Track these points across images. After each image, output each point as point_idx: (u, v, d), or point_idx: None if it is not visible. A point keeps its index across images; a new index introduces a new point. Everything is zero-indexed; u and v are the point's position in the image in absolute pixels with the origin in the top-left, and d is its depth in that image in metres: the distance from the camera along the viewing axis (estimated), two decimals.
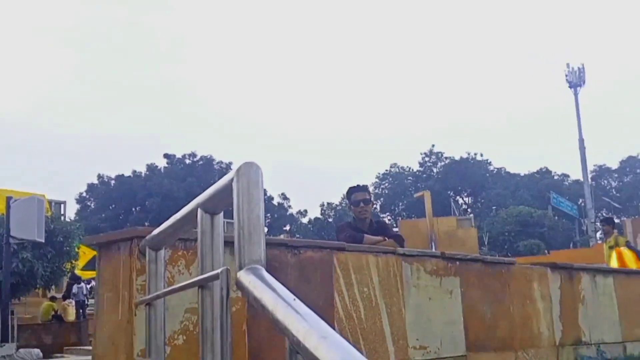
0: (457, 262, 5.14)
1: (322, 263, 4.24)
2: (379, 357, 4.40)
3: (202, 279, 2.31)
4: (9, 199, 12.69)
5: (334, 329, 3.99)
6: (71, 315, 21.47)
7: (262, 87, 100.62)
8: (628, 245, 11.06)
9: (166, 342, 3.23)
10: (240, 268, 1.98)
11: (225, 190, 2.16)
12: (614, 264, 10.30)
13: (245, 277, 1.93)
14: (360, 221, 5.59)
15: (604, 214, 66.77)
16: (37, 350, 9.14)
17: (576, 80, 56.73)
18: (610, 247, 10.89)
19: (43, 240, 12.94)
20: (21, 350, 11.45)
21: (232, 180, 2.04)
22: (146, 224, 58.13)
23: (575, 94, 56.47)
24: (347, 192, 5.79)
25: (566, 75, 56.94)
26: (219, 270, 2.06)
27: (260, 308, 1.78)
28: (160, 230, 3.02)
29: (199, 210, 2.38)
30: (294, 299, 1.71)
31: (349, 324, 4.30)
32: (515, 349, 5.43)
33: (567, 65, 57.02)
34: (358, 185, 5.77)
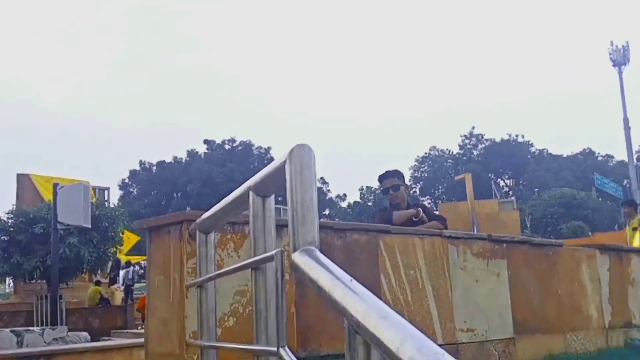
0: (504, 244, 5.08)
1: (369, 246, 4.24)
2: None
3: (255, 260, 2.33)
4: (55, 185, 12.97)
5: None
6: (118, 299, 21.93)
7: (298, 73, 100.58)
8: None
9: (217, 324, 3.27)
10: (295, 249, 1.99)
11: (278, 173, 2.17)
12: (638, 245, 10.09)
13: (300, 259, 1.93)
14: (394, 207, 5.55)
15: None
16: (84, 334, 9.39)
17: (620, 59, 55.35)
18: (634, 229, 10.69)
19: (89, 226, 13.22)
20: (69, 333, 11.72)
21: (284, 162, 2.04)
22: (187, 208, 58.87)
23: (620, 73, 55.13)
24: (378, 180, 5.76)
25: (610, 54, 55.60)
26: (273, 252, 2.07)
27: (317, 289, 1.78)
28: (211, 213, 3.04)
29: (251, 193, 2.39)
30: (351, 280, 1.71)
31: (396, 307, 4.30)
32: (563, 331, 5.37)
33: (611, 43, 55.66)
34: (387, 172, 5.71)
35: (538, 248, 5.40)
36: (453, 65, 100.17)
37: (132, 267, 23.19)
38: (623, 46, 56.79)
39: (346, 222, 4.20)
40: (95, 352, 6.99)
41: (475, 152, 67.22)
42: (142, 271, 30.51)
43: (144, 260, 35.45)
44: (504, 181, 66.67)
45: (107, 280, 24.43)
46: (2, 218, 19.33)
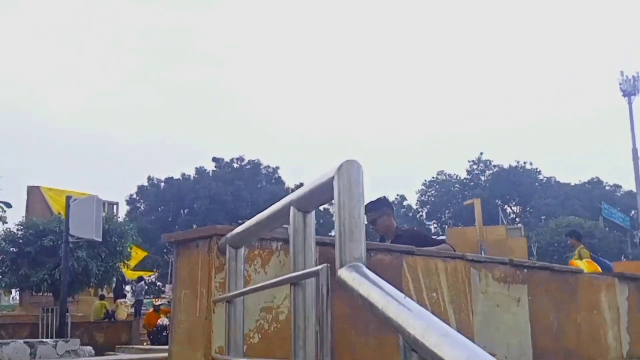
0: (525, 270, 5.07)
1: (392, 266, 4.23)
2: None
3: (296, 276, 2.33)
4: (68, 198, 13.01)
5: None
6: (122, 315, 21.87)
7: (307, 93, 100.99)
8: (593, 258, 10.97)
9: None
10: (341, 265, 1.99)
11: (323, 188, 2.18)
12: None
13: (348, 275, 1.93)
14: (381, 238, 5.68)
15: None
16: (89, 348, 9.38)
17: (630, 89, 55.38)
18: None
19: (100, 239, 13.25)
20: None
21: (332, 178, 2.05)
22: (194, 226, 58.75)
23: (630, 103, 55.13)
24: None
25: (620, 84, 55.68)
26: (318, 268, 2.07)
27: (368, 305, 1.78)
28: (244, 228, 3.05)
29: (292, 208, 2.40)
30: (404, 297, 1.71)
31: None
32: (582, 359, 5.32)
33: (621, 73, 55.77)
34: (365, 206, 5.80)
35: (558, 275, 5.38)
36: (461, 89, 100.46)
37: (142, 282, 23.18)
38: (633, 76, 56.90)
39: (370, 241, 4.21)
40: None
41: (482, 178, 67.16)
42: (147, 287, 30.45)
43: (151, 275, 35.42)
44: (510, 208, 66.51)
45: (111, 295, 24.41)
46: (11, 229, 19.38)
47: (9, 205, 15.97)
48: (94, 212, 12.58)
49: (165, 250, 58.78)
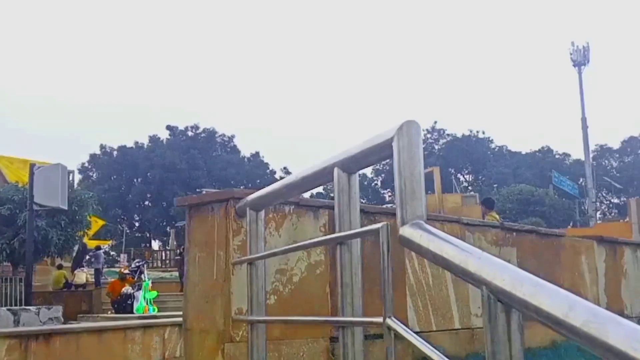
0: (514, 233, 5.22)
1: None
2: (445, 322, 4.49)
3: (344, 235, 2.37)
4: (32, 166, 12.72)
5: (405, 295, 4.06)
6: (81, 278, 21.54)
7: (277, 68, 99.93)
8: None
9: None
10: (403, 223, 2.04)
11: (376, 149, 2.22)
12: None
13: (412, 232, 1.99)
14: None
15: (604, 194, 67.04)
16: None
17: (580, 59, 56.47)
18: None
19: (66, 207, 13.02)
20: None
21: (391, 138, 2.09)
22: (148, 195, 58.07)
23: (579, 73, 56.29)
24: None
25: (571, 54, 56.72)
26: (379, 226, 2.11)
27: (441, 260, 1.84)
28: (269, 191, 3.07)
29: (336, 169, 2.43)
30: (482, 252, 1.78)
31: (419, 290, 4.39)
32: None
33: (572, 43, 56.78)
34: None
35: (544, 237, 5.55)
36: (416, 59, 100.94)
37: (101, 251, 22.86)
38: (584, 46, 57.97)
39: (374, 205, 4.26)
40: (91, 333, 6.93)
41: (436, 147, 67.98)
42: (109, 257, 30.09)
43: (107, 245, 34.99)
44: (463, 176, 67.60)
45: (69, 265, 24.02)
46: None
47: None
48: (59, 180, 12.34)
49: (118, 220, 57.98)
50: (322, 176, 2.57)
